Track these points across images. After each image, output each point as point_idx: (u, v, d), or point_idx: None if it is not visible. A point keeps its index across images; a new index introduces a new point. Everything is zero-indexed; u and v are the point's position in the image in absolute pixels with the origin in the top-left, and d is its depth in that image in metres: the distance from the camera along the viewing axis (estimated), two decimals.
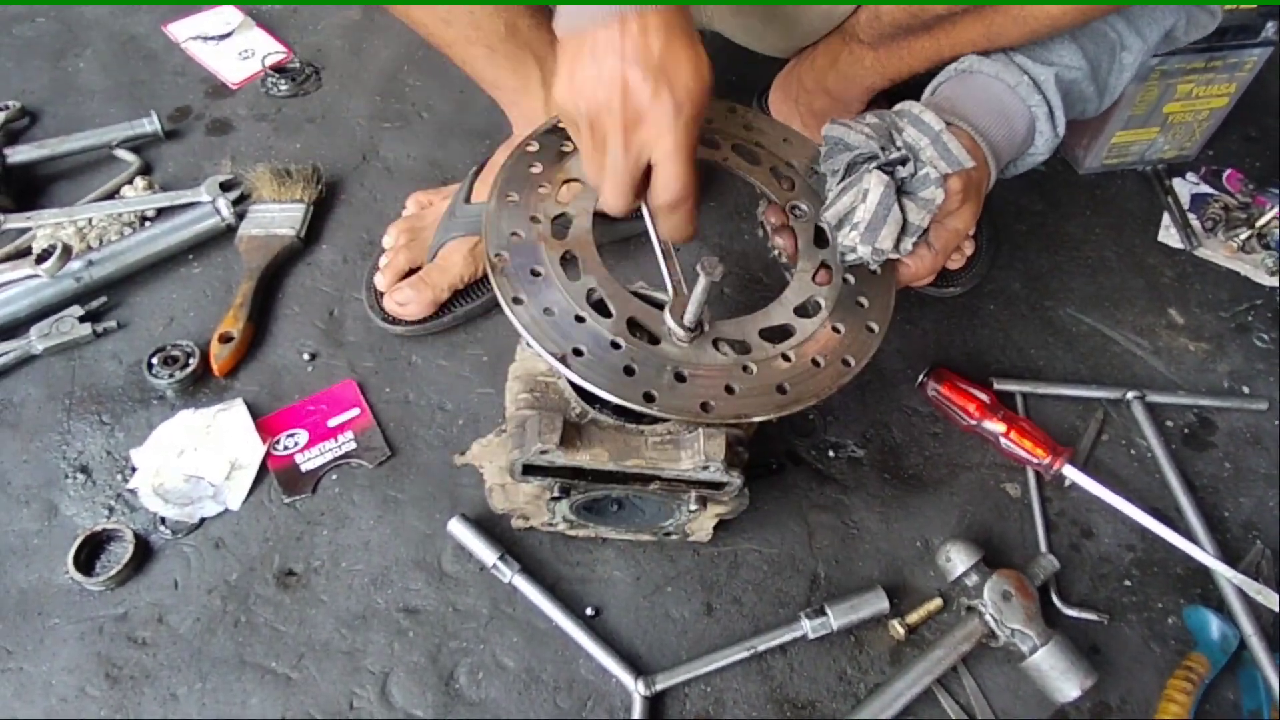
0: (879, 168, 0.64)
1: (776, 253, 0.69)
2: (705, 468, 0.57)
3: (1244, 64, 0.99)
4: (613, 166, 0.54)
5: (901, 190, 0.64)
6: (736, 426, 0.60)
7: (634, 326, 0.58)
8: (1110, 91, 0.81)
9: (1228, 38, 0.96)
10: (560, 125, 0.67)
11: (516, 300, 0.57)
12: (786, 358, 0.59)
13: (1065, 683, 0.66)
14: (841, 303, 0.63)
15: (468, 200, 0.85)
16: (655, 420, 0.59)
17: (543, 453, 0.56)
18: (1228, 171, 1.07)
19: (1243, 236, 0.99)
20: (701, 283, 0.56)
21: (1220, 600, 0.74)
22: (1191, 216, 1.02)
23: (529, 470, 0.58)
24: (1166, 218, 1.02)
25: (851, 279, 0.64)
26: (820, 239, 0.66)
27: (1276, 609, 0.72)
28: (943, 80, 0.79)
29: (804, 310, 0.62)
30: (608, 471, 0.58)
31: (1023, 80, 0.74)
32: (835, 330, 0.61)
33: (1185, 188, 1.05)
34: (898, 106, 0.70)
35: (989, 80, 0.75)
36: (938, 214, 0.66)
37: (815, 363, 0.59)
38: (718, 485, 0.60)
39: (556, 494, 0.61)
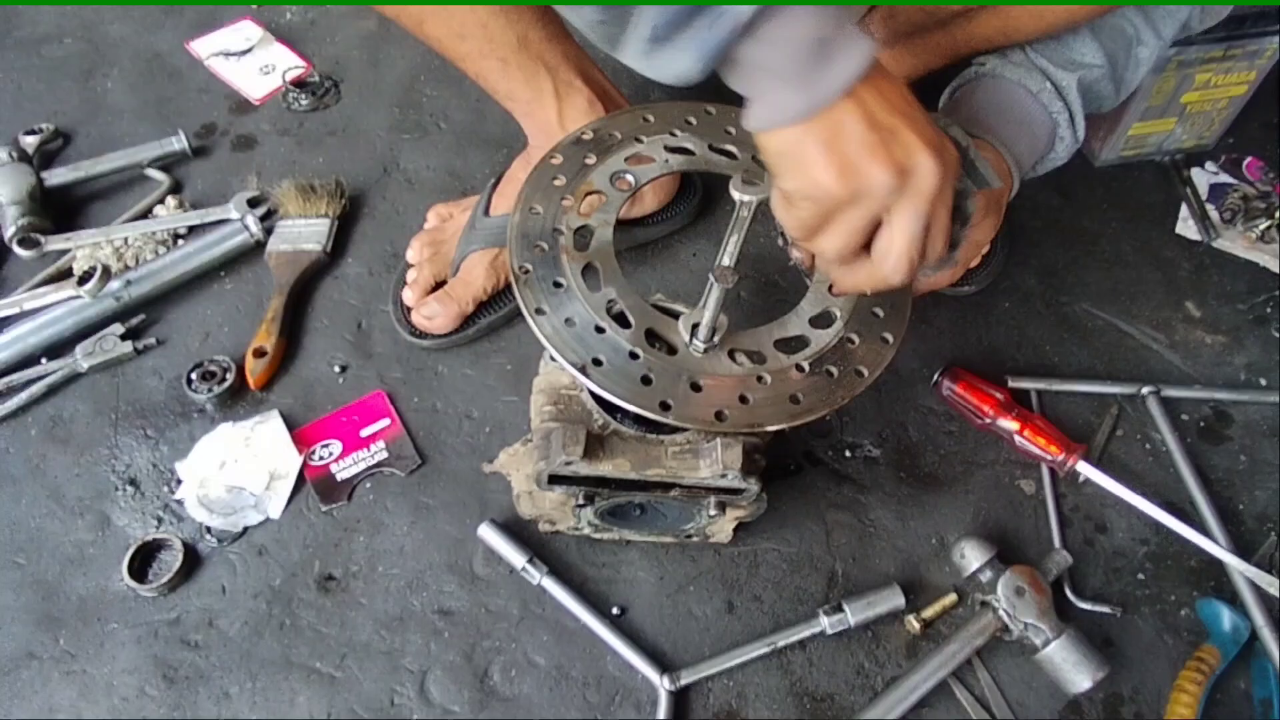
0: None
1: (794, 263, 0.72)
2: (723, 475, 0.61)
3: (1264, 52, 1.00)
4: (913, 240, 0.53)
5: None
6: (752, 434, 0.64)
7: (652, 337, 0.62)
8: (1126, 86, 0.83)
9: (1247, 25, 0.97)
10: (584, 137, 0.71)
11: (539, 311, 0.61)
12: (800, 368, 0.63)
13: (1078, 674, 0.69)
14: (857, 314, 0.66)
15: (487, 213, 0.89)
16: (674, 430, 0.63)
17: (567, 464, 0.60)
18: (1248, 160, 1.09)
19: (1262, 226, 1.01)
20: (715, 291, 0.59)
21: (1233, 592, 0.77)
22: (1210, 207, 1.04)
23: (554, 480, 0.63)
24: (1184, 209, 1.04)
25: (867, 290, 0.68)
26: None
27: None
28: (962, 83, 0.81)
29: (819, 321, 0.66)
30: (630, 480, 0.62)
31: (1045, 87, 0.76)
32: (850, 341, 0.65)
33: (1204, 178, 1.07)
34: None
35: (1011, 87, 0.77)
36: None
37: (829, 373, 0.63)
38: (736, 491, 0.64)
39: (581, 501, 0.65)
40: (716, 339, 0.62)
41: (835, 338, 0.65)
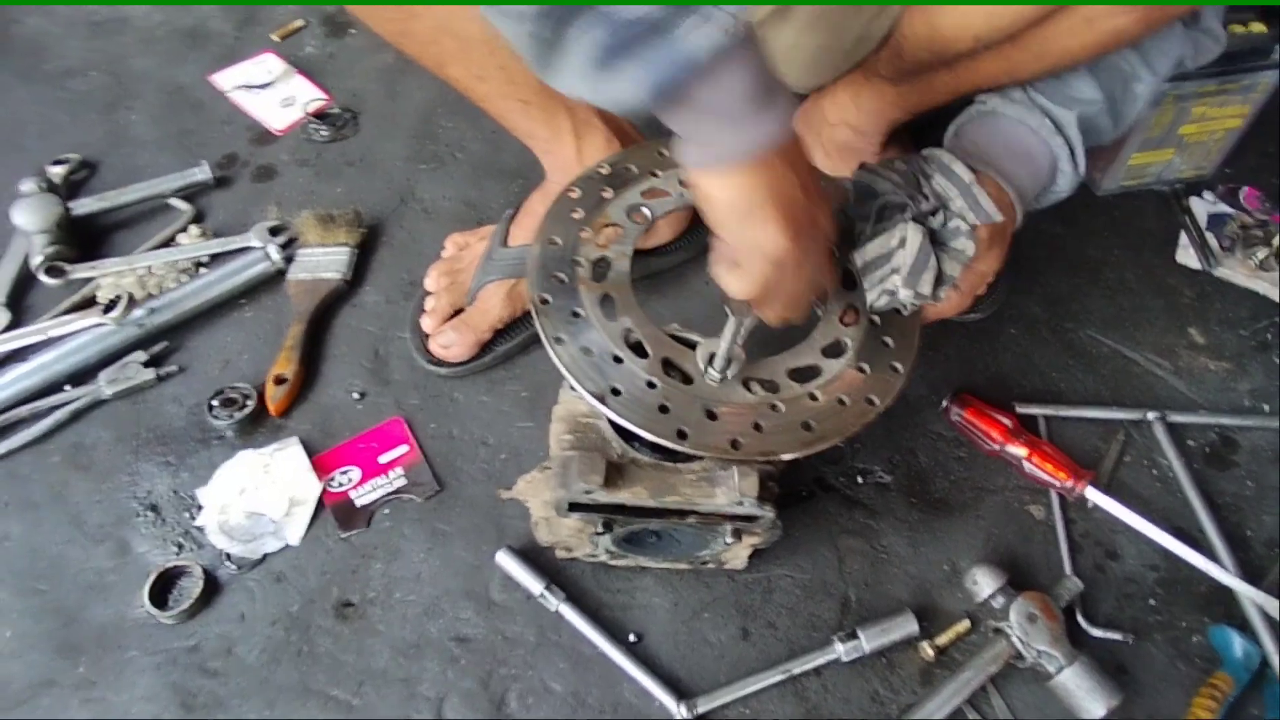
0: (913, 218, 0.67)
1: None
2: (739, 503, 0.61)
3: (1257, 86, 1.01)
4: (804, 290, 0.61)
5: (933, 240, 0.67)
6: (767, 462, 0.64)
7: (669, 366, 0.63)
8: (1124, 120, 0.84)
9: (1239, 61, 0.98)
10: (602, 171, 0.72)
11: (558, 340, 0.62)
12: (813, 397, 0.63)
13: (1091, 702, 0.69)
14: (867, 343, 0.66)
15: (504, 244, 0.90)
16: (691, 458, 0.63)
17: (587, 492, 0.60)
18: (1245, 189, 1.09)
19: (1260, 255, 1.01)
20: (730, 324, 0.60)
21: (1244, 618, 0.76)
22: (1209, 236, 1.04)
23: (573, 507, 0.63)
24: (1184, 238, 1.04)
25: (877, 320, 0.68)
26: (848, 282, 0.70)
27: None
28: (965, 121, 0.82)
29: (831, 351, 0.66)
30: (647, 507, 0.62)
31: (1045, 123, 0.77)
32: (860, 370, 0.65)
33: (1203, 207, 1.08)
34: (925, 152, 0.73)
35: (1013, 124, 0.78)
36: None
37: (841, 401, 0.63)
38: (751, 519, 0.64)
39: (599, 529, 0.65)
40: (731, 371, 0.62)
41: (846, 367, 0.65)
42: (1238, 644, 0.73)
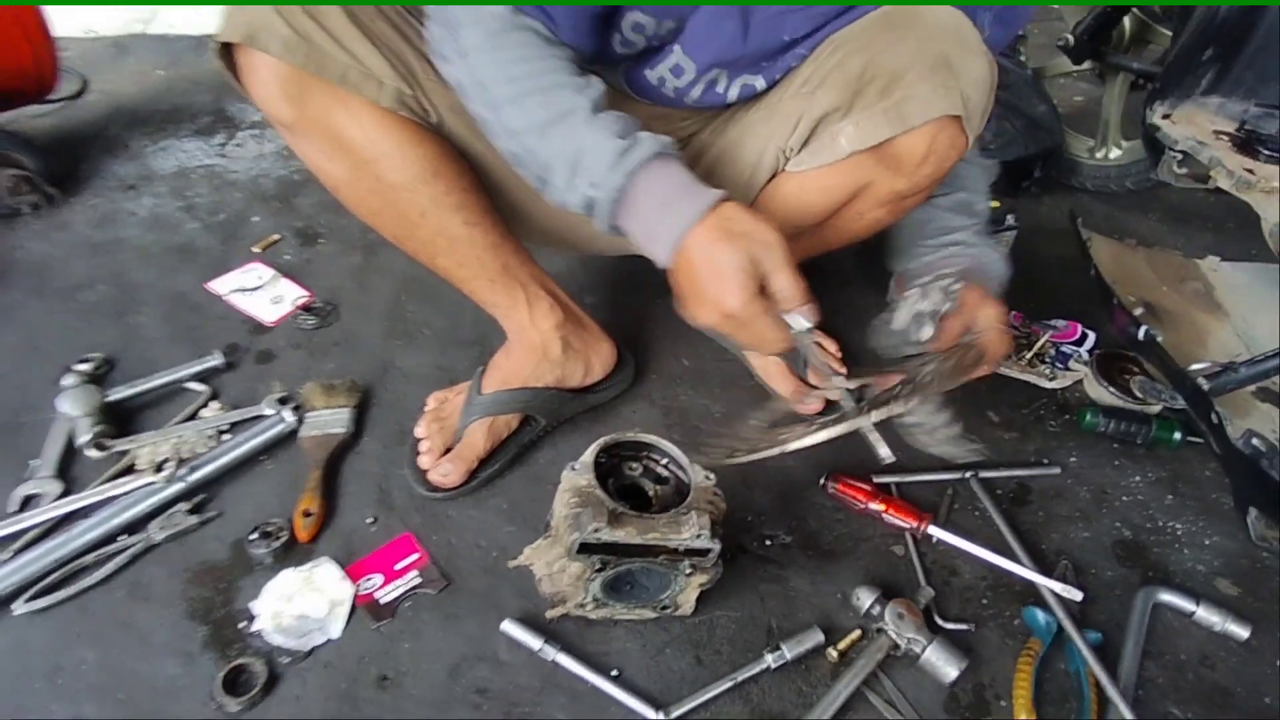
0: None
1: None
2: (699, 536, 0.92)
3: (1001, 240, 1.53)
4: (768, 333, 0.85)
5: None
6: (714, 509, 0.96)
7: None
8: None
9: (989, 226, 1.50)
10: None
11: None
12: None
13: (948, 667, 1.01)
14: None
15: (480, 392, 1.23)
16: (660, 510, 0.94)
17: (595, 531, 0.89)
18: (1014, 312, 1.58)
19: (1027, 356, 1.48)
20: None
21: (1045, 601, 1.12)
22: None
23: (584, 549, 0.91)
24: None
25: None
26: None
27: (1078, 599, 1.10)
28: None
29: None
30: (634, 545, 0.92)
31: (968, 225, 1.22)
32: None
33: None
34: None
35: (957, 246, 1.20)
36: (967, 312, 1.10)
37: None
38: (704, 552, 0.95)
39: (599, 566, 0.94)
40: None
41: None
42: (1041, 617, 1.08)
